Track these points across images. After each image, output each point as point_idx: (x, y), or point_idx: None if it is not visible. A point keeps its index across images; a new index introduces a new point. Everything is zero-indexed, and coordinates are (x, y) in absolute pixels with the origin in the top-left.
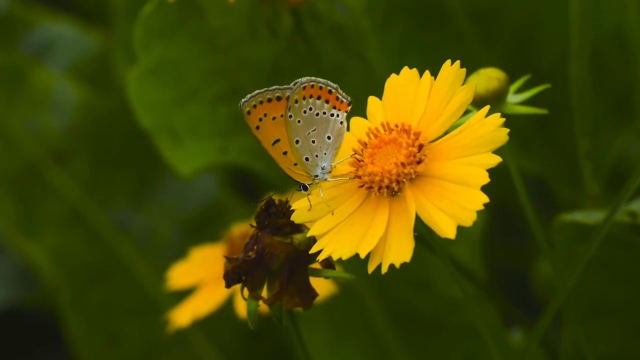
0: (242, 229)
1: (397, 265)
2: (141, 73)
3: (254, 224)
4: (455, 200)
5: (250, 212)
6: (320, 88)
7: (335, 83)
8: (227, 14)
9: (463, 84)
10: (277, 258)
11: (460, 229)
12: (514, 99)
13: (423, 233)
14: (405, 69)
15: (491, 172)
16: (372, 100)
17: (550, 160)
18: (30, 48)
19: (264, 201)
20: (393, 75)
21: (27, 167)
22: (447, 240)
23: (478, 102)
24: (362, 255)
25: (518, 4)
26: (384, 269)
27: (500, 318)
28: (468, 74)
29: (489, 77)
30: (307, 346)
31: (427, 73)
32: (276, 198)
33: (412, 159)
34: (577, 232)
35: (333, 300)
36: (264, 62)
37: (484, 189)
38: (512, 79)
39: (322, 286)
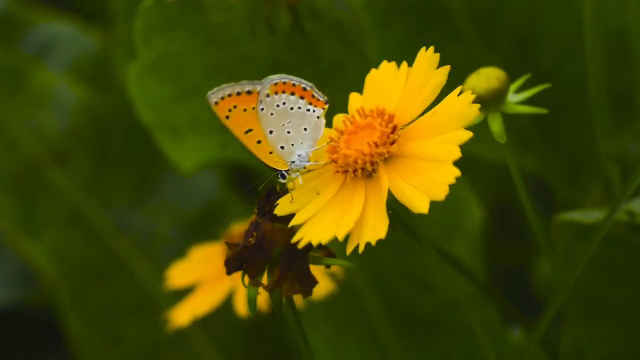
0: (241, 228)
1: (373, 243)
2: (141, 68)
3: (255, 210)
4: (427, 175)
5: (251, 209)
6: (294, 85)
7: (335, 80)
8: (227, 9)
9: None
10: (277, 244)
11: (460, 229)
12: (514, 98)
13: (417, 232)
14: (384, 62)
15: (491, 171)
16: (353, 95)
17: (551, 160)
18: (30, 48)
19: (264, 188)
20: (373, 70)
21: (27, 167)
22: (447, 239)
23: (478, 102)
24: (340, 238)
25: (519, 4)
26: (361, 248)
27: (500, 317)
28: (468, 74)
29: (489, 77)
30: (307, 336)
31: (404, 64)
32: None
33: (386, 139)
34: (577, 231)
35: (333, 299)
36: (265, 58)
37: (480, 186)
38: (513, 78)
39: (321, 285)
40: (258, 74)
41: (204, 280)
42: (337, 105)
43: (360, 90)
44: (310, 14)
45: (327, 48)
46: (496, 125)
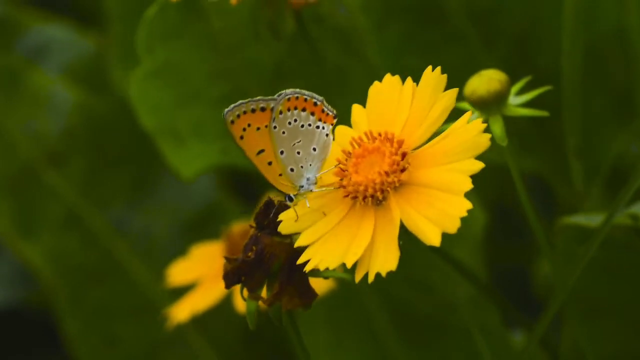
0: (241, 227)
1: (383, 274)
2: (144, 75)
3: (253, 224)
4: (440, 207)
5: (249, 212)
6: (305, 100)
7: (337, 86)
8: (229, 16)
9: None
10: (276, 258)
11: (462, 231)
12: (515, 100)
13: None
14: (388, 75)
15: (491, 171)
16: (355, 108)
17: (551, 160)
18: (26, 50)
19: (262, 202)
20: (376, 83)
21: (23, 169)
22: (448, 241)
23: (479, 104)
24: (349, 265)
25: (518, 4)
26: (371, 279)
27: (501, 319)
28: (467, 74)
29: (490, 79)
30: (306, 347)
31: (409, 80)
32: (275, 198)
33: (396, 168)
34: (577, 233)
35: (333, 300)
36: (267, 64)
37: (480, 186)
38: (512, 78)
39: (321, 283)
40: (260, 80)
41: (204, 278)
42: (339, 111)
43: (362, 96)
44: (314, 18)
45: (330, 53)
46: (497, 128)
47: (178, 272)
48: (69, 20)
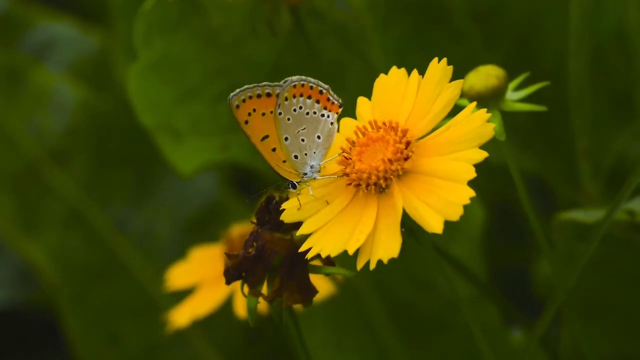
0: (241, 229)
1: (385, 261)
2: (141, 70)
3: (254, 220)
4: (442, 195)
5: (250, 211)
6: (311, 88)
7: (336, 81)
8: (227, 11)
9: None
10: (277, 254)
11: (461, 229)
12: (513, 96)
13: (417, 231)
14: (394, 68)
15: (491, 171)
16: (361, 100)
17: (551, 160)
18: (30, 48)
19: (264, 198)
20: (382, 75)
21: (26, 167)
22: (447, 239)
23: (477, 99)
24: (351, 252)
25: (520, 3)
26: (372, 265)
27: (501, 318)
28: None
29: (487, 75)
30: (306, 344)
31: (415, 72)
32: (276, 194)
33: (399, 156)
34: (577, 231)
35: (333, 300)
36: (265, 59)
37: (480, 186)
38: (513, 78)
39: (322, 287)
40: (259, 76)
41: (203, 282)
42: None
43: (360, 91)
44: (312, 14)
45: (328, 49)
46: (495, 123)
47: (177, 276)
48: (73, 17)
